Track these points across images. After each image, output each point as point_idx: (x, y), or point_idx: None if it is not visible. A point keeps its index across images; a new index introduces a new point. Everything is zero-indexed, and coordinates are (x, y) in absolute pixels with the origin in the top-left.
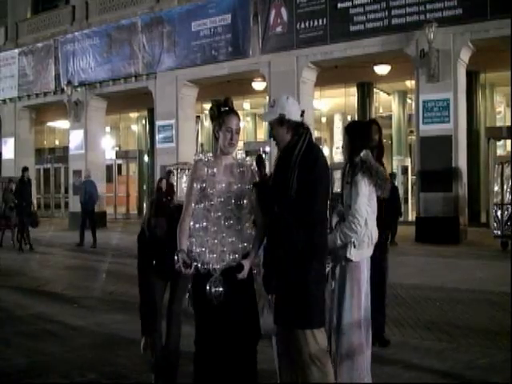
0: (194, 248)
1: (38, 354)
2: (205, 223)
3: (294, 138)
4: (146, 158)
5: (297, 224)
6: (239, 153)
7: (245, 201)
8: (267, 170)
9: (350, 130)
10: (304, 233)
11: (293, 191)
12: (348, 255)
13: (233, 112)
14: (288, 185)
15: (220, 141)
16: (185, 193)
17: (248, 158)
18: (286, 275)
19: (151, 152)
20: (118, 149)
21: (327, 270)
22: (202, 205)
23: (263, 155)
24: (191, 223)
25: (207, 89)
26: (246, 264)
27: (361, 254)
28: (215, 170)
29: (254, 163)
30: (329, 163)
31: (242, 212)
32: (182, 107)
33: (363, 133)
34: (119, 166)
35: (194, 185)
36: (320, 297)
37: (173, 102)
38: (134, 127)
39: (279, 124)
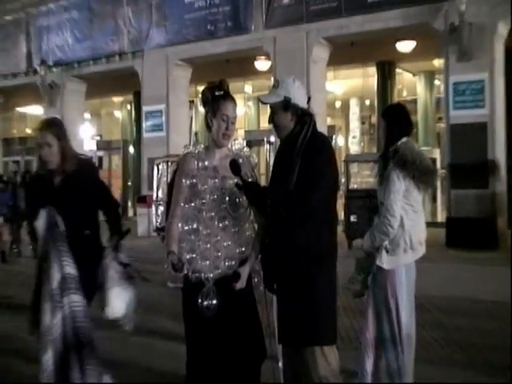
0: (183, 254)
1: None
2: (195, 225)
3: (297, 127)
4: (131, 150)
5: (294, 220)
6: (238, 142)
7: (242, 198)
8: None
9: (388, 114)
10: (308, 231)
11: (292, 185)
12: (378, 262)
13: (229, 97)
14: (288, 178)
15: (213, 130)
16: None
17: (246, 149)
18: (289, 282)
19: (137, 142)
20: (98, 138)
21: (361, 276)
22: (193, 204)
23: (239, 160)
24: (179, 225)
25: (203, 69)
26: (245, 271)
27: (395, 261)
28: (206, 163)
29: (254, 155)
30: (344, 155)
31: (239, 211)
32: (174, 90)
33: (403, 118)
34: (100, 159)
35: (183, 181)
36: (331, 307)
37: (163, 85)
38: (118, 114)
39: (283, 109)
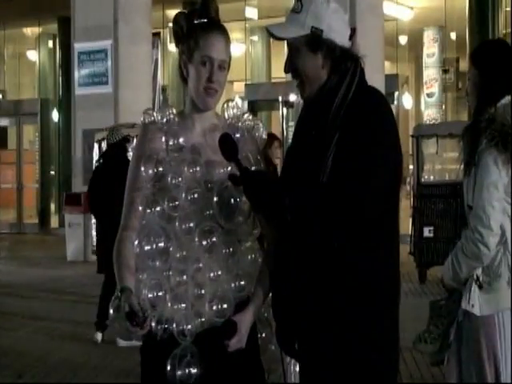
0: (142, 292)
1: None
2: (163, 243)
3: (334, 78)
4: (55, 116)
5: (330, 236)
6: (233, 104)
7: (241, 198)
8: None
9: (481, 57)
10: (354, 254)
11: (326, 174)
12: (465, 304)
13: (216, 27)
14: (319, 164)
15: (191, 83)
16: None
17: (248, 115)
18: (321, 339)
19: (65, 104)
20: (0, 97)
21: (440, 329)
22: (158, 208)
23: (235, 135)
24: (136, 243)
25: None
26: (245, 321)
27: (494, 302)
28: (182, 140)
29: (261, 126)
30: (413, 126)
31: (235, 220)
32: (127, 16)
33: (506, 63)
34: (3, 132)
35: (142, 169)
36: (389, 380)
37: (108, 6)
38: (33, 55)
39: (310, 48)
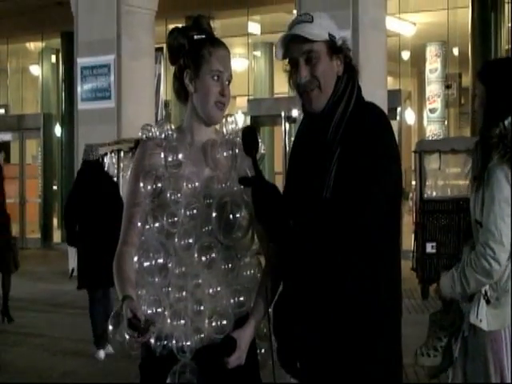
0: (141, 307)
1: None
2: (162, 259)
3: (340, 86)
4: (57, 131)
5: (333, 253)
6: (232, 119)
7: (240, 213)
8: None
9: (488, 74)
10: (356, 271)
11: (329, 189)
12: (473, 319)
13: (219, 41)
14: (322, 177)
15: (198, 98)
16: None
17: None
18: (323, 359)
19: (68, 119)
20: (3, 112)
21: (443, 342)
22: (158, 223)
23: (235, 150)
24: (136, 259)
25: None
26: (244, 337)
27: (501, 317)
28: (181, 156)
29: (260, 141)
30: (415, 141)
31: (234, 235)
32: (130, 31)
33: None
34: (6, 146)
35: (141, 185)
36: None
37: (111, 21)
38: (35, 70)
39: (330, 53)
